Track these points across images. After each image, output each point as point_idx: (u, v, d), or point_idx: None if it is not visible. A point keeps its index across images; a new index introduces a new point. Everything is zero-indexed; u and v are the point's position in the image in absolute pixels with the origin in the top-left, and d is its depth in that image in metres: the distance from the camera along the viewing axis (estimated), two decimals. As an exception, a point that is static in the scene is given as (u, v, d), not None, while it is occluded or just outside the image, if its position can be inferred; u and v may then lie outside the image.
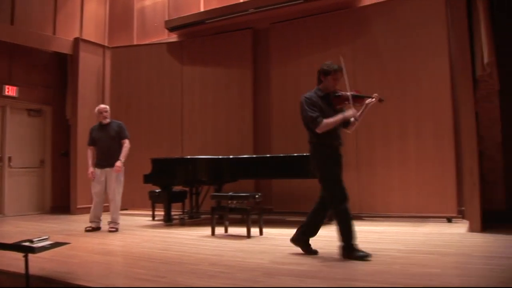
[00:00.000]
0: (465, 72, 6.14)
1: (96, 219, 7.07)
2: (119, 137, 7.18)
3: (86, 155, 7.41)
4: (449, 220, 7.08)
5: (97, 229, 7.03)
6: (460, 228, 6.29)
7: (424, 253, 4.65)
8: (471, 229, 5.90)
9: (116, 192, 7.04)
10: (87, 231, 6.92)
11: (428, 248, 4.96)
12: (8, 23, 9.21)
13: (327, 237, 5.95)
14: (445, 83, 7.28)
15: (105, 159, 7.04)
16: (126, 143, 7.20)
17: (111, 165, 7.00)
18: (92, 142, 7.25)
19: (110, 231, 6.88)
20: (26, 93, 9.92)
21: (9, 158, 9.56)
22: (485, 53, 5.76)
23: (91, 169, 7.07)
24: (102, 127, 7.23)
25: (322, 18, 8.47)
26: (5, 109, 9.60)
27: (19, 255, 3.73)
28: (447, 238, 5.62)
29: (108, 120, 7.23)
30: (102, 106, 7.38)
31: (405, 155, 7.55)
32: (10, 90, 9.56)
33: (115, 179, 7.00)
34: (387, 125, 7.72)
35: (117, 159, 7.03)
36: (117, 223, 7.02)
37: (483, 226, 5.83)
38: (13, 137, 9.70)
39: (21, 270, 3.72)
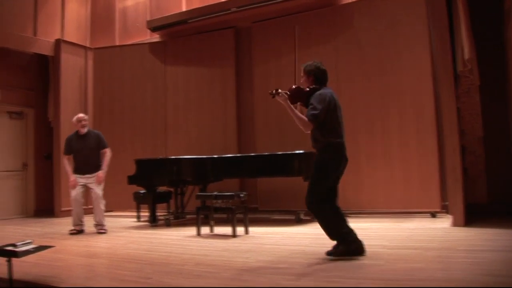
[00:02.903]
0: (446, 68, 6.21)
1: (80, 222, 7.02)
2: (99, 147, 7.15)
3: (63, 164, 7.30)
4: (433, 215, 7.15)
5: (81, 231, 6.99)
6: (444, 223, 6.35)
7: (408, 248, 4.69)
8: (455, 224, 5.97)
9: (101, 196, 7.01)
10: (71, 234, 6.88)
11: (412, 243, 5.01)
12: (-13, 25, 9.10)
13: (312, 235, 6.00)
14: (426, 79, 7.35)
15: (85, 166, 7.01)
16: (108, 152, 7.20)
17: (91, 171, 6.98)
18: (69, 152, 7.12)
19: (100, 233, 6.88)
20: (7, 95, 9.78)
21: (-9, 162, 9.45)
22: (466, 49, 5.84)
23: (72, 176, 6.97)
24: (80, 137, 7.12)
25: (304, 16, 8.48)
26: (-14, 112, 9.48)
27: (3, 260, 3.70)
28: (431, 233, 5.67)
29: (86, 129, 7.16)
30: (81, 115, 7.26)
31: (389, 151, 7.60)
32: (-9, 93, 9.45)
33: (96, 183, 6.99)
34: (371, 121, 7.77)
35: (97, 166, 7.03)
36: (104, 225, 7.00)
37: (466, 220, 5.91)
38: (-5, 141, 9.58)
39: (5, 275, 3.70)
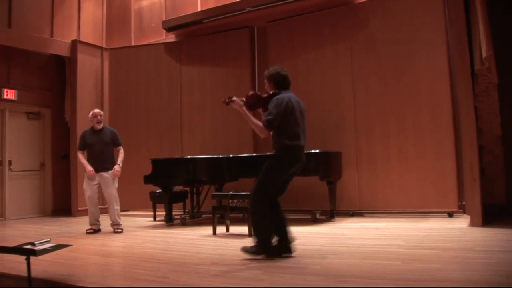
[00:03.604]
0: (463, 66, 6.14)
1: (96, 222, 7.08)
2: (113, 143, 7.20)
3: (78, 159, 7.33)
4: (450, 215, 7.08)
5: (97, 231, 7.05)
6: (461, 223, 6.29)
7: (424, 249, 4.66)
8: (472, 224, 5.90)
9: (114, 194, 7.03)
10: (88, 233, 6.94)
11: (428, 243, 4.97)
12: (5, 26, 9.21)
13: (328, 234, 5.98)
14: (443, 78, 7.28)
15: (99, 164, 6.99)
16: (122, 150, 7.25)
17: (106, 169, 6.99)
18: (84, 147, 7.18)
19: (116, 232, 6.93)
20: (25, 96, 9.92)
21: (9, 162, 9.56)
22: (484, 47, 5.76)
23: (89, 167, 6.97)
24: (95, 132, 7.17)
25: (319, 15, 8.46)
26: (4, 113, 9.59)
27: (21, 258, 3.75)
28: (448, 233, 5.63)
29: (101, 125, 7.21)
30: (97, 110, 7.31)
31: (405, 150, 7.55)
32: (9, 94, 9.56)
33: (110, 182, 7.00)
34: (386, 121, 7.72)
35: (111, 163, 7.05)
36: (120, 224, 7.05)
37: (484, 221, 5.84)
38: (13, 141, 9.70)
39: (24, 273, 3.74)
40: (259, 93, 4.85)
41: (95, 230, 7.02)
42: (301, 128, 4.69)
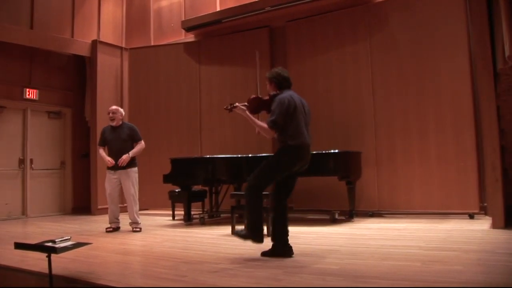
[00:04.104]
0: (485, 65, 6.05)
1: (115, 220, 7.12)
2: (132, 139, 7.16)
3: (98, 154, 7.39)
4: (471, 216, 6.99)
5: (117, 229, 7.09)
6: (482, 225, 6.21)
7: (446, 250, 4.60)
8: (494, 226, 5.82)
9: (132, 193, 7.04)
10: (107, 231, 6.98)
11: (450, 245, 4.91)
12: (27, 27, 9.35)
13: (347, 235, 5.95)
14: (465, 77, 7.20)
15: (117, 160, 6.97)
16: (141, 143, 7.21)
17: (124, 166, 6.99)
18: (104, 143, 7.25)
19: (134, 231, 6.94)
20: (46, 95, 10.06)
21: (31, 160, 9.70)
22: (507, 46, 5.66)
23: (107, 158, 7.01)
24: (113, 128, 7.20)
25: (338, 15, 8.41)
26: (26, 112, 9.74)
27: (43, 256, 3.79)
28: (469, 234, 5.55)
29: (119, 122, 7.21)
30: (113, 107, 7.31)
31: (426, 151, 7.48)
32: (31, 93, 9.71)
33: (130, 180, 7.01)
34: (407, 121, 7.66)
35: (130, 160, 7.03)
36: (138, 223, 7.06)
37: (506, 222, 5.75)
38: (34, 140, 9.84)
39: (45, 270, 3.78)
40: (260, 96, 4.89)
41: (114, 228, 7.06)
42: (305, 126, 4.70)
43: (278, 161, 4.61)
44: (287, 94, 4.67)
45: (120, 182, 7.07)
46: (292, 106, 4.57)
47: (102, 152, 7.22)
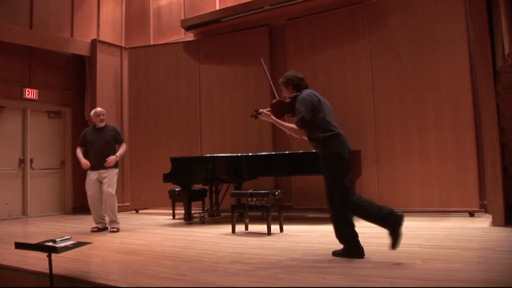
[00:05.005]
0: (485, 63, 6.06)
1: (100, 220, 7.07)
2: (115, 141, 7.18)
3: (76, 153, 7.26)
4: (471, 214, 6.99)
5: (103, 229, 7.02)
6: (482, 223, 6.21)
7: (446, 248, 4.60)
8: (494, 223, 5.83)
9: (110, 194, 6.94)
10: (92, 231, 6.93)
11: (450, 243, 4.90)
12: (27, 27, 9.35)
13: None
14: (464, 75, 7.20)
15: (99, 161, 6.95)
16: (124, 146, 7.24)
17: (105, 167, 6.95)
18: (82, 143, 7.20)
19: (112, 232, 6.86)
20: (46, 95, 10.06)
21: (31, 160, 9.70)
22: (506, 44, 5.66)
23: (83, 160, 6.99)
24: (97, 130, 7.16)
25: (338, 13, 8.41)
26: (26, 112, 9.74)
27: (43, 255, 3.79)
28: (470, 232, 5.54)
29: (103, 124, 7.20)
30: (99, 109, 7.27)
31: (425, 148, 7.48)
32: (31, 93, 9.72)
33: (112, 180, 6.96)
34: (406, 119, 7.66)
35: None
36: (117, 223, 6.97)
37: (506, 220, 5.75)
38: (34, 139, 9.85)
39: (45, 269, 3.78)
40: (281, 99, 4.82)
41: (99, 228, 7.01)
42: (330, 118, 4.59)
43: (330, 159, 4.45)
44: (308, 92, 4.65)
45: (99, 182, 7.02)
46: (316, 101, 4.53)
47: (79, 153, 7.15)
